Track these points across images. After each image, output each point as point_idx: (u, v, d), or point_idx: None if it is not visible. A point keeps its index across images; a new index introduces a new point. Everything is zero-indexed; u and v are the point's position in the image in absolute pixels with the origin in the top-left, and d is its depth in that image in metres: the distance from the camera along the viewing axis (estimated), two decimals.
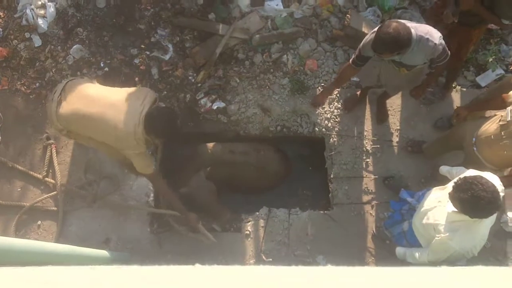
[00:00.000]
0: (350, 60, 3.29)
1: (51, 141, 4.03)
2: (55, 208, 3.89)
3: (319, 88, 4.25)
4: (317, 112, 4.19)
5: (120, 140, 3.09)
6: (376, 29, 2.99)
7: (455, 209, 2.48)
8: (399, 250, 3.01)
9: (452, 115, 3.97)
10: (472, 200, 2.30)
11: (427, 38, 2.94)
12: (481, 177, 2.35)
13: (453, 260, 2.58)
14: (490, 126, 3.12)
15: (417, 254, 2.82)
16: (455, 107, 4.12)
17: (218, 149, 4.15)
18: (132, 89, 3.22)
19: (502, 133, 2.98)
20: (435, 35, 2.96)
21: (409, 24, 2.93)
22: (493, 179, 2.55)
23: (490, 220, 2.55)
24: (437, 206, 2.73)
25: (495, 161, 3.17)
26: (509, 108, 2.97)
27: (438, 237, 2.58)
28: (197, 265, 0.96)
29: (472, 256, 2.55)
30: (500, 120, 3.04)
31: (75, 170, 4.01)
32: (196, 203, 3.79)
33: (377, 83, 3.78)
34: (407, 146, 4.07)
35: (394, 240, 3.32)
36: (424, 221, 2.78)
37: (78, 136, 3.38)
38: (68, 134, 3.35)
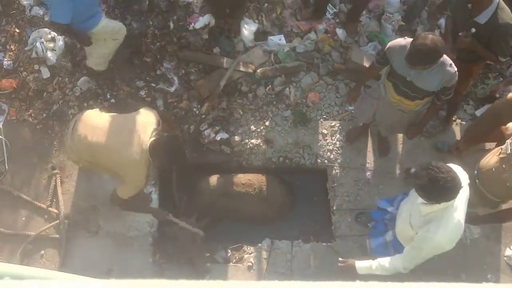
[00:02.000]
0: (374, 60, 3.40)
1: (56, 171, 4.07)
2: (58, 236, 3.90)
3: (321, 120, 4.32)
4: (319, 144, 4.24)
5: (122, 166, 3.17)
6: (406, 38, 3.06)
7: (424, 201, 2.52)
8: (361, 264, 2.87)
9: (452, 146, 4.02)
10: (430, 183, 2.36)
11: (450, 64, 3.00)
12: (436, 162, 2.43)
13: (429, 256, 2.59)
14: (491, 159, 3.14)
15: (387, 263, 2.74)
16: (457, 139, 4.18)
17: (221, 183, 4.14)
18: (134, 115, 3.29)
19: (503, 166, 3.01)
20: (454, 65, 3.01)
21: None
22: (456, 168, 2.59)
23: (462, 206, 2.53)
24: (411, 205, 2.72)
25: (498, 193, 3.18)
26: (508, 141, 3.01)
27: (416, 233, 2.60)
28: None
29: (450, 248, 2.55)
30: (500, 153, 3.07)
31: (79, 199, 4.03)
32: (178, 243, 3.85)
33: (372, 120, 3.84)
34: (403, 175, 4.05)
35: (371, 253, 3.24)
36: (401, 222, 2.78)
37: (93, 165, 3.45)
38: (84, 165, 3.45)
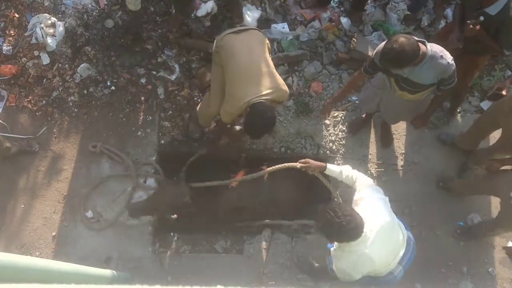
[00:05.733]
0: (362, 67, 3.30)
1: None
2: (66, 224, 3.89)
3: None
4: (321, 134, 4.19)
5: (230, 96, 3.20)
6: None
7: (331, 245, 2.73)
8: (332, 167, 3.13)
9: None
10: (325, 227, 2.47)
11: (441, 56, 2.95)
12: (335, 205, 2.51)
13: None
14: None
15: (353, 176, 2.99)
16: (460, 132, 4.14)
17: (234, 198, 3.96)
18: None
19: None
20: (448, 55, 2.97)
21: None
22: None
23: (380, 241, 2.58)
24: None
25: None
26: None
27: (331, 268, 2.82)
28: None
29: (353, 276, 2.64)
30: None
31: (79, 186, 4.00)
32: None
33: (376, 110, 3.80)
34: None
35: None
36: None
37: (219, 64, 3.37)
38: (216, 55, 3.35)
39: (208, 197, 3.94)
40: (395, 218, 2.76)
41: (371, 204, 2.70)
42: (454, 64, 2.99)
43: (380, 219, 2.62)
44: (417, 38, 2.93)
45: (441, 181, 4.02)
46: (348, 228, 2.41)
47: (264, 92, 3.06)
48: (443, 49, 2.99)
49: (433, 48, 2.96)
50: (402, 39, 2.82)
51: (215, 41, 3.33)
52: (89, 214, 3.91)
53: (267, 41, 3.35)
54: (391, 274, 2.77)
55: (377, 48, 3.12)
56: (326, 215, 2.44)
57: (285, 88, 3.22)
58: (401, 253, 2.76)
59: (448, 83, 3.07)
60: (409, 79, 3.11)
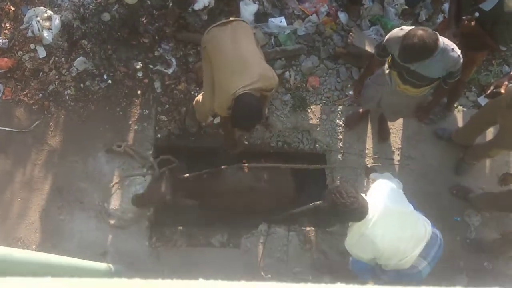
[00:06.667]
0: (375, 53, 3.32)
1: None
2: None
3: (321, 105, 4.27)
4: (318, 129, 4.19)
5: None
6: (403, 28, 2.98)
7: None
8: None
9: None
10: (331, 207, 2.61)
11: (452, 49, 2.93)
12: (341, 187, 2.65)
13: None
14: None
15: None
16: (457, 127, 4.14)
17: (242, 177, 3.96)
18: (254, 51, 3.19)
19: None
20: (457, 48, 2.96)
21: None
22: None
23: (383, 225, 2.68)
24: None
25: None
26: None
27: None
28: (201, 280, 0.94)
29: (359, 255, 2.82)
30: None
31: (77, 180, 3.99)
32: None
33: (377, 108, 3.79)
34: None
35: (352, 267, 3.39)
36: None
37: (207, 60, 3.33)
38: (204, 50, 3.32)
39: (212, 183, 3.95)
40: (408, 209, 2.85)
41: (377, 191, 2.81)
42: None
43: (385, 205, 2.72)
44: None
45: (455, 189, 3.99)
46: (351, 209, 2.55)
47: (249, 82, 3.01)
48: (451, 42, 2.99)
49: (444, 40, 2.94)
50: (420, 32, 2.78)
51: (202, 37, 3.32)
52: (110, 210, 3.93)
53: (252, 31, 3.33)
54: (414, 267, 2.81)
55: (390, 34, 3.08)
56: (332, 195, 2.59)
57: (272, 74, 3.17)
58: (421, 245, 2.80)
59: (456, 76, 3.08)
60: (416, 72, 3.07)
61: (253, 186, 3.91)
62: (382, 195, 2.79)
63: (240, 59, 3.09)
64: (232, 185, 3.91)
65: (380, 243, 2.68)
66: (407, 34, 2.84)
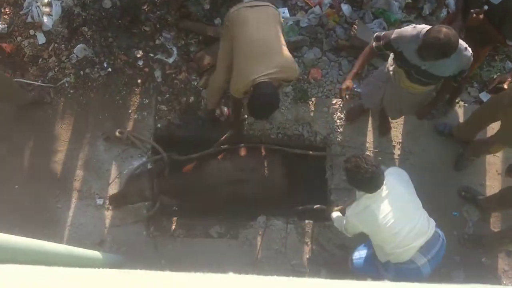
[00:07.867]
0: (374, 44, 3.19)
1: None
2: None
3: (323, 97, 4.24)
4: (319, 121, 4.17)
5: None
6: (416, 27, 2.94)
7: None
8: (334, 214, 3.41)
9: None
10: (353, 169, 2.72)
11: (466, 48, 2.90)
12: (368, 155, 2.90)
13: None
14: None
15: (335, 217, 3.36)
16: (458, 122, 4.12)
17: (227, 167, 3.95)
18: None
19: None
20: (468, 47, 2.93)
21: None
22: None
23: (388, 204, 2.78)
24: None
25: None
26: None
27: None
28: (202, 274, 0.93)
29: (360, 226, 2.91)
30: None
31: (76, 168, 3.97)
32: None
33: (379, 106, 3.75)
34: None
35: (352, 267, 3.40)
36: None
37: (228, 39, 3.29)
38: (226, 29, 3.29)
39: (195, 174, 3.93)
40: (414, 200, 2.93)
41: (395, 176, 2.93)
42: None
43: (399, 189, 2.84)
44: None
45: (464, 191, 3.97)
46: (370, 175, 2.67)
47: (270, 71, 2.98)
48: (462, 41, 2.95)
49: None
50: (445, 29, 2.71)
51: (226, 15, 3.25)
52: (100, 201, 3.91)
53: (281, 19, 3.29)
54: (412, 263, 2.82)
55: (400, 32, 3.01)
56: (357, 159, 2.72)
57: (294, 66, 3.15)
58: (422, 239, 2.82)
59: (466, 73, 3.06)
60: (426, 71, 3.03)
61: (235, 178, 3.87)
62: (399, 180, 2.88)
63: (264, 45, 3.04)
64: (214, 180, 3.87)
65: (381, 221, 2.74)
66: (432, 30, 2.76)
